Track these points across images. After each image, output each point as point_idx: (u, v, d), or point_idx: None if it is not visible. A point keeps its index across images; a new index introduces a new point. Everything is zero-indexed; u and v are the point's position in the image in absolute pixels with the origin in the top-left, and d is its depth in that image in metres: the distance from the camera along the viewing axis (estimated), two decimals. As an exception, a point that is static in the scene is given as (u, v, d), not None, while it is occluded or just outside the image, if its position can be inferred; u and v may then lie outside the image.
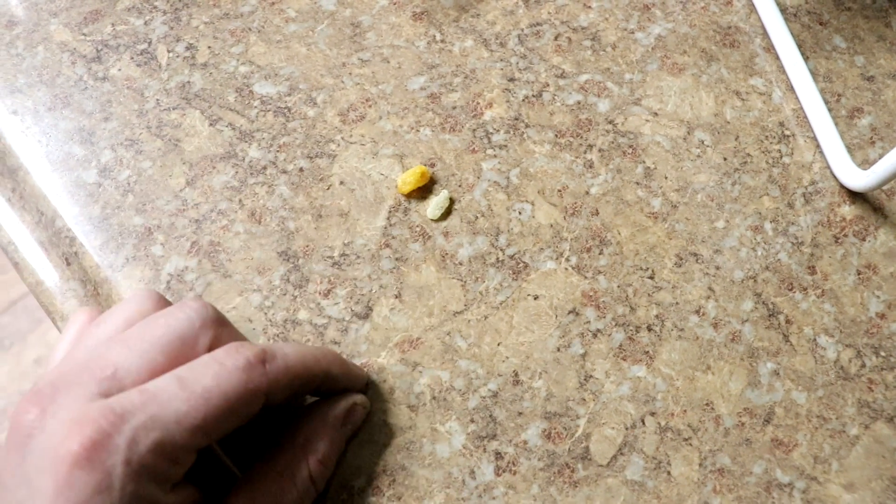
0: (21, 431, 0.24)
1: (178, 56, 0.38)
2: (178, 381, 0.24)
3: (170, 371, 0.25)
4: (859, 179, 0.35)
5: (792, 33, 0.40)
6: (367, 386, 0.32)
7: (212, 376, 0.25)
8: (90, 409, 0.23)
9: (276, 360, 0.26)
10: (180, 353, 0.26)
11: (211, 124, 0.36)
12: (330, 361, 0.29)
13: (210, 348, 0.26)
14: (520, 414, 0.32)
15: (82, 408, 0.23)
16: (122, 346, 0.25)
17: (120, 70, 0.38)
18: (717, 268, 0.35)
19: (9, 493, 0.23)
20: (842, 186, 0.37)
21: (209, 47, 0.38)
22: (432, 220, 0.35)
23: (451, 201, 0.35)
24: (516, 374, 0.32)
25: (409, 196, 0.35)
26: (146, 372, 0.25)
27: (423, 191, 0.35)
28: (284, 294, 0.33)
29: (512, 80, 0.38)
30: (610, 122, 0.38)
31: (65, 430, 0.23)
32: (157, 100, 0.37)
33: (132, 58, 0.38)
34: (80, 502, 0.22)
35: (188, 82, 0.37)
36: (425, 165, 0.36)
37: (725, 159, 0.37)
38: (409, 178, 0.35)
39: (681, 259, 0.35)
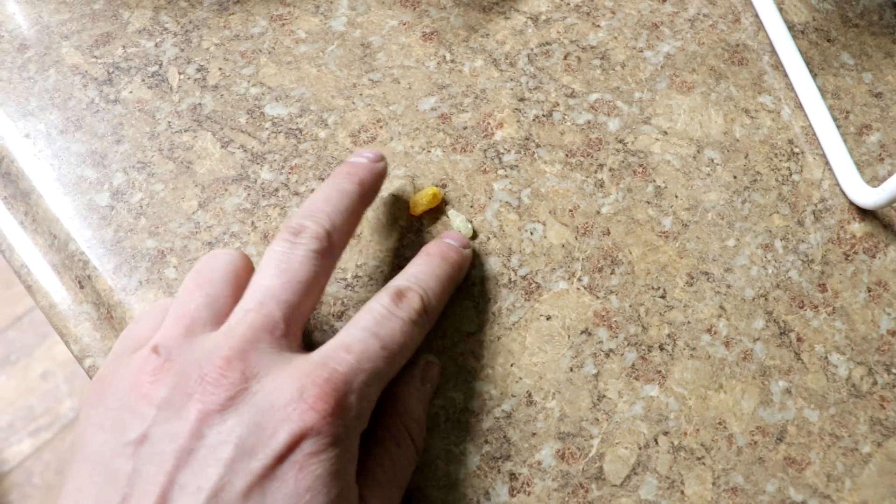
0: (220, 392, 0.25)
1: (189, 78, 0.38)
2: (377, 339, 0.27)
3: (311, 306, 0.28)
4: (869, 197, 0.35)
5: (800, 50, 0.40)
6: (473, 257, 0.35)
7: (401, 333, 0.28)
8: (314, 370, 0.26)
9: (431, 306, 0.30)
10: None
11: (223, 146, 0.37)
12: (459, 274, 0.33)
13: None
14: (533, 434, 0.32)
15: (299, 367, 0.26)
16: (275, 302, 0.27)
17: (131, 92, 0.38)
18: (729, 286, 0.35)
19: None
20: (851, 203, 0.37)
21: (220, 69, 0.39)
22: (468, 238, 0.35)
23: (472, 224, 0.35)
24: (530, 395, 0.32)
25: (421, 217, 0.35)
26: (300, 321, 0.28)
27: (436, 212, 0.35)
28: (298, 316, 0.33)
29: (522, 99, 0.38)
30: (620, 142, 0.38)
31: (298, 391, 0.25)
32: (169, 122, 0.37)
33: (143, 80, 0.38)
34: (325, 455, 0.25)
35: (199, 104, 0.38)
36: (437, 186, 0.36)
37: (735, 177, 0.37)
38: (420, 200, 0.35)
39: (692, 278, 0.35)
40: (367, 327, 0.27)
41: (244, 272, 0.29)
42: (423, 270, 0.31)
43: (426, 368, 0.32)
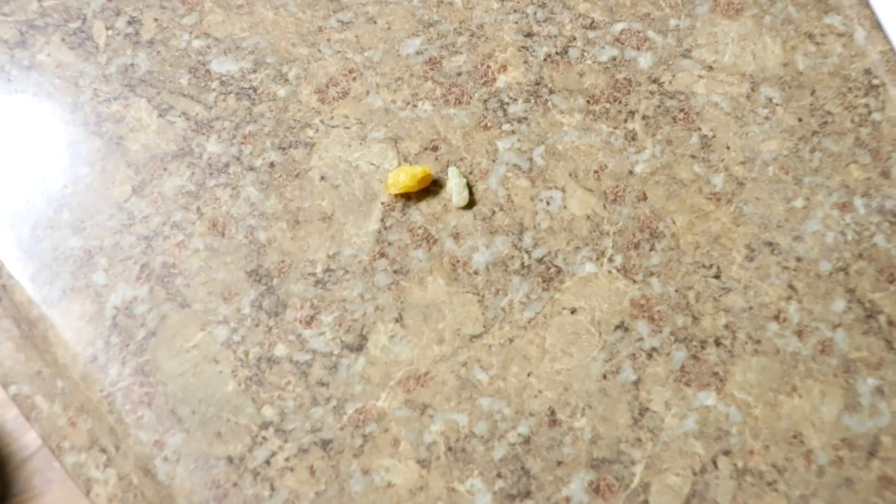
0: None
1: (118, 33, 0.32)
2: None
3: None
4: (979, 137, 0.28)
5: (875, -45, 0.33)
6: None
7: None
8: None
9: None
10: None
11: (160, 115, 0.30)
12: None
13: None
14: (559, 463, 0.26)
15: None
16: None
17: (49, 55, 0.31)
18: (799, 259, 0.29)
19: None
20: (952, 146, 0.30)
21: (156, 20, 0.32)
22: (459, 207, 0.28)
23: (468, 181, 0.29)
24: (553, 413, 0.27)
25: (404, 196, 0.29)
26: None
27: (424, 193, 0.29)
28: (257, 325, 0.27)
29: (529, 35, 0.32)
30: (654, 82, 0.31)
31: None
32: (95, 89, 0.31)
33: (63, 39, 0.32)
34: None
35: (131, 65, 0.31)
36: (428, 149, 0.29)
37: (801, 120, 0.30)
38: (401, 177, 0.28)
39: (752, 251, 0.28)
40: None
41: None
42: None
43: None
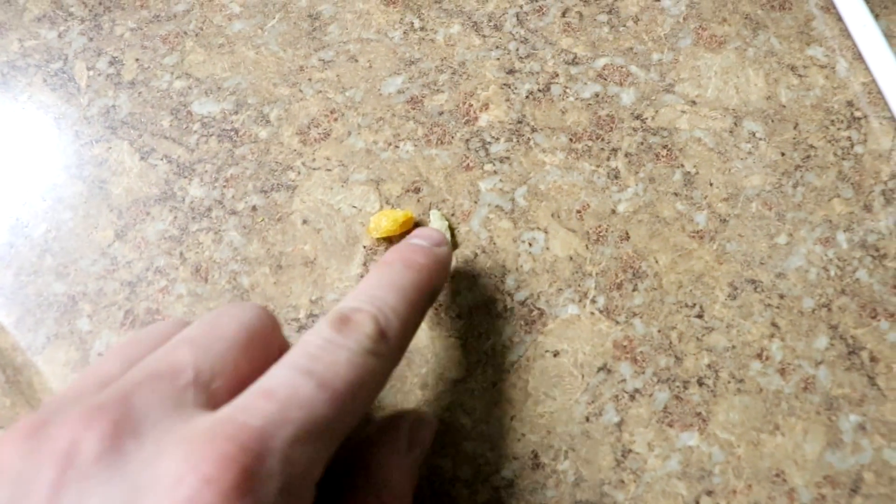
0: (72, 462, 0.18)
1: (99, 74, 0.31)
2: (311, 377, 0.20)
3: (252, 376, 0.20)
4: (959, 174, 0.28)
5: (856, -15, 0.33)
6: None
7: (348, 366, 0.20)
8: (214, 427, 0.18)
9: (392, 327, 0.22)
10: (260, 354, 0.21)
11: (142, 158, 0.30)
12: (432, 283, 0.25)
13: (282, 350, 0.22)
14: None
15: (196, 427, 0.18)
16: (188, 346, 0.21)
17: (30, 97, 0.31)
18: (781, 296, 0.28)
19: None
20: (933, 180, 0.29)
21: (137, 60, 0.32)
22: None
23: (450, 224, 0.28)
24: (536, 456, 0.26)
25: (387, 240, 0.28)
26: (231, 376, 0.21)
27: (406, 236, 0.28)
28: (241, 372, 0.27)
29: (511, 72, 0.31)
30: (637, 118, 0.30)
31: (188, 459, 0.17)
32: (77, 131, 0.30)
33: (45, 80, 0.31)
34: None
35: (113, 106, 0.31)
36: (410, 191, 0.29)
37: (784, 154, 0.30)
38: (383, 221, 0.28)
39: (735, 289, 0.28)
40: (297, 364, 0.20)
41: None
42: (378, 284, 0.24)
43: (415, 428, 0.25)
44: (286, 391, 0.19)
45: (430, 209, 0.29)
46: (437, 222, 0.28)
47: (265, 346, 0.22)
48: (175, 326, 0.23)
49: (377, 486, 0.23)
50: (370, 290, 0.23)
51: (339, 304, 0.22)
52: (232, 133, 0.30)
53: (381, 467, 0.23)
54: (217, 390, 0.20)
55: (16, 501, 0.17)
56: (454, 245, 0.29)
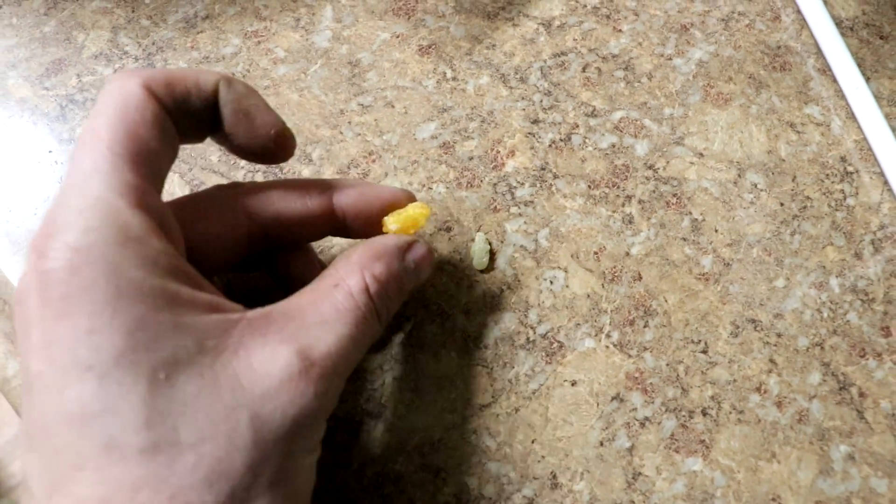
0: None
1: (153, 110, 0.33)
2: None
3: None
4: (941, 229, 0.30)
5: (849, 50, 0.35)
6: None
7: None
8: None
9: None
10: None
11: (192, 190, 0.32)
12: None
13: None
14: None
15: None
16: None
17: (88, 129, 0.33)
18: (779, 335, 0.30)
19: None
20: (918, 233, 0.32)
21: (188, 98, 0.34)
22: (480, 270, 0.31)
23: (490, 245, 0.31)
24: (554, 476, 0.28)
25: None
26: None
27: (438, 273, 0.31)
28: (285, 393, 0.29)
29: (536, 121, 0.34)
30: (650, 168, 0.33)
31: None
32: (132, 163, 0.32)
33: (102, 114, 0.33)
34: None
35: (166, 141, 0.33)
36: (442, 230, 0.31)
37: (782, 205, 0.32)
38: (394, 220, 0.26)
39: (737, 327, 0.30)
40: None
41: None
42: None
43: (414, 246, 0.25)
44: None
45: (458, 246, 0.31)
46: (480, 244, 0.31)
47: None
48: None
49: (362, 265, 0.23)
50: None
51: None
52: (276, 170, 0.33)
53: (370, 255, 0.24)
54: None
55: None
56: (491, 267, 0.31)
